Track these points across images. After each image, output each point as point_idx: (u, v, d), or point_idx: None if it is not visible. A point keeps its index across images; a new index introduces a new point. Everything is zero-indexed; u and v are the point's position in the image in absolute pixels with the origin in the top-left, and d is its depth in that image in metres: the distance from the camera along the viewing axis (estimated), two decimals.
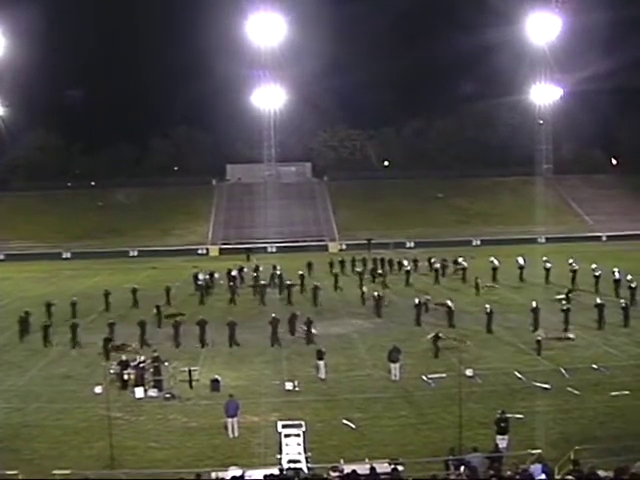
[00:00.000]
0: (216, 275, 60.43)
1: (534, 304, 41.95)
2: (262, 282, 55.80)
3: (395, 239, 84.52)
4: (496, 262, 60.11)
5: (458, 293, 53.74)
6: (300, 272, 58.66)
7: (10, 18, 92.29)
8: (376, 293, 49.06)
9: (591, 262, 57.74)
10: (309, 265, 64.79)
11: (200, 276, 59.20)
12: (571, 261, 58.52)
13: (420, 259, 65.70)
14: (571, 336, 39.29)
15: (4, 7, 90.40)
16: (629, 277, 51.00)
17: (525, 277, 59.05)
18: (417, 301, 44.94)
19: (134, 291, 52.33)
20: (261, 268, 62.11)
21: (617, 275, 52.86)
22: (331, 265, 64.66)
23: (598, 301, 42.62)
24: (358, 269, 61.71)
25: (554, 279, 56.73)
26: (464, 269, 60.97)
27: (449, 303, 44.68)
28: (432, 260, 63.18)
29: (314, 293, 51.67)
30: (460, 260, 62.84)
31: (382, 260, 66.22)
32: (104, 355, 37.20)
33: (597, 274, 54.51)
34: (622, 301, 43.95)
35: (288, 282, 54.43)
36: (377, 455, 23.39)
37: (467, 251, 72.06)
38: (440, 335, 37.20)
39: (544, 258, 59.65)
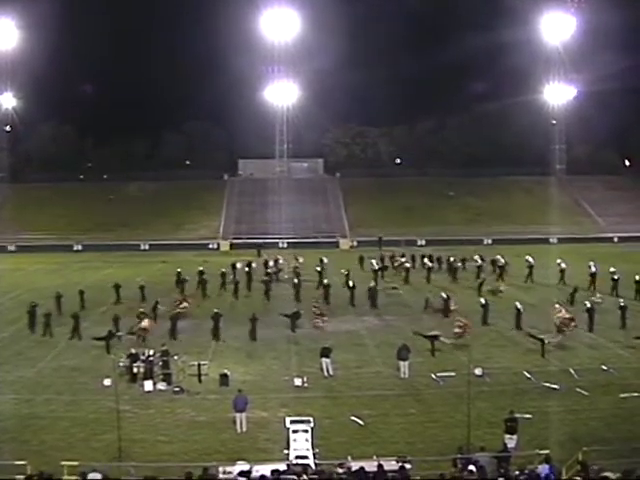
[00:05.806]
0: (254, 265, 60.00)
1: (588, 304, 41.63)
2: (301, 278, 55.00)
3: (406, 237, 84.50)
4: (531, 260, 59.03)
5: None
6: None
7: (24, 11, 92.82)
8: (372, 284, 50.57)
9: (587, 261, 57.12)
10: (361, 259, 64.87)
11: (238, 265, 59.35)
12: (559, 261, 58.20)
13: (468, 257, 64.03)
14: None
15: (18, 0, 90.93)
16: (612, 269, 51.30)
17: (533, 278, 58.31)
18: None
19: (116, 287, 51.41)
20: (271, 263, 62.29)
21: (593, 268, 52.81)
22: (382, 260, 64.01)
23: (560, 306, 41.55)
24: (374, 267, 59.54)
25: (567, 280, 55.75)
26: (429, 269, 59.84)
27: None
28: (474, 257, 62.31)
29: (296, 289, 51.50)
30: (426, 260, 61.67)
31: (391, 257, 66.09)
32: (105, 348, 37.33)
33: (562, 267, 55.03)
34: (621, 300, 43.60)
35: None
36: (385, 452, 23.38)
37: (478, 250, 71.13)
38: (441, 338, 37.24)
39: (558, 260, 57.89)
